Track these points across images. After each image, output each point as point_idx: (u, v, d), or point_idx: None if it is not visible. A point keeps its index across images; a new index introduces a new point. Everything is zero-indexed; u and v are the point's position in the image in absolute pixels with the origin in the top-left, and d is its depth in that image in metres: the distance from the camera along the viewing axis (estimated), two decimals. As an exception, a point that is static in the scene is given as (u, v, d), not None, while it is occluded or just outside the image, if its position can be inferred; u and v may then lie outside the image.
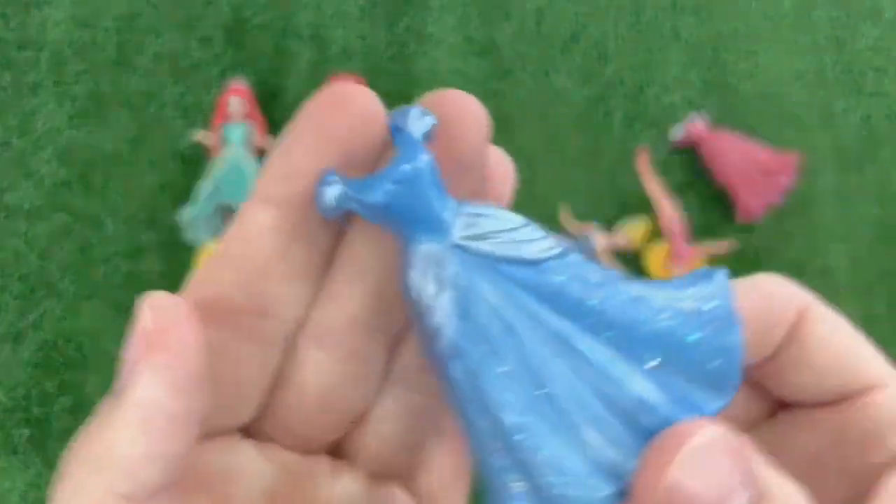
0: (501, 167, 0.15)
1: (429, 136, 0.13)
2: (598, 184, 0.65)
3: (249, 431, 0.14)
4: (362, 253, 0.14)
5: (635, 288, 0.13)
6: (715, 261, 0.62)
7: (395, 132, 0.14)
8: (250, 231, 0.13)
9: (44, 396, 0.58)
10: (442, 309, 0.12)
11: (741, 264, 0.64)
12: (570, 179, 0.65)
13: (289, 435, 0.14)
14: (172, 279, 0.62)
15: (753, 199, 0.61)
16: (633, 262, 0.62)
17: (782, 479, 0.11)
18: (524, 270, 0.12)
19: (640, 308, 0.12)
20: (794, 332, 0.14)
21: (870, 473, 0.13)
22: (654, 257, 0.60)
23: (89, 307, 0.61)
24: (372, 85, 0.68)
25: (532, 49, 0.70)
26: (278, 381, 0.14)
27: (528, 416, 0.12)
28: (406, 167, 0.13)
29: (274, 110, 0.67)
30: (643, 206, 0.63)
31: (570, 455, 0.12)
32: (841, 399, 0.14)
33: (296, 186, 0.13)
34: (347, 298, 0.14)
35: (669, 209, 0.61)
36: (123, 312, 0.61)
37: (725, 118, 0.67)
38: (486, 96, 0.73)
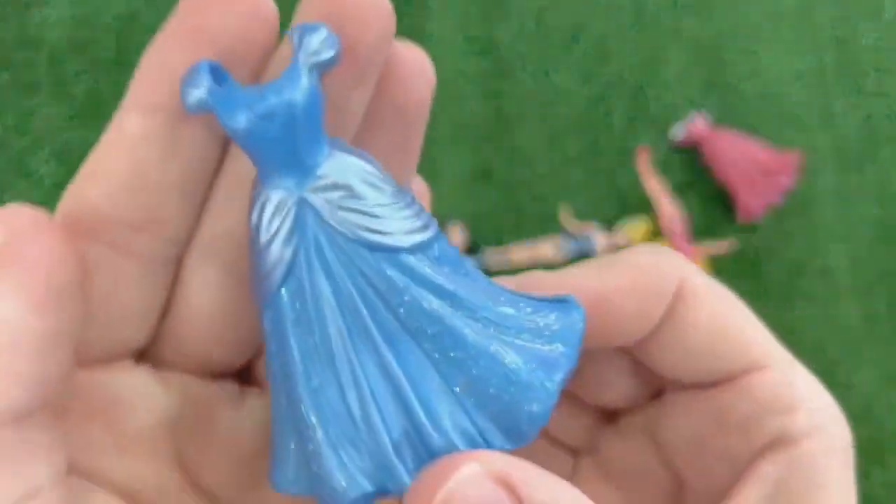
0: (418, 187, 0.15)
1: (325, 65, 0.12)
2: (598, 184, 0.65)
3: (146, 357, 0.13)
4: (247, 163, 0.12)
5: (488, 304, 0.12)
6: (716, 260, 0.62)
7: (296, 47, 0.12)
8: (121, 141, 0.12)
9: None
10: (272, 258, 0.11)
11: (741, 264, 0.64)
12: (570, 179, 0.65)
13: (189, 360, 0.13)
14: (171, 279, 0.61)
15: (754, 199, 0.61)
16: (633, 262, 0.62)
17: (557, 491, 0.11)
18: (371, 255, 0.11)
19: (477, 329, 0.11)
20: (670, 312, 0.13)
21: (749, 458, 0.12)
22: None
23: (88, 307, 0.61)
24: (371, 84, 0.65)
25: (532, 48, 0.70)
26: (170, 301, 0.13)
27: (319, 394, 0.11)
28: (274, 100, 0.11)
29: (273, 110, 0.67)
30: (643, 205, 0.63)
31: (343, 446, 0.11)
32: (722, 380, 0.13)
33: (169, 90, 0.12)
34: (234, 211, 0.13)
35: (670, 208, 0.61)
36: (122, 312, 0.60)
37: (726, 117, 0.67)
38: (485, 96, 0.73)
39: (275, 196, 0.12)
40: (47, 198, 0.64)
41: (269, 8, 0.13)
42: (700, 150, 0.64)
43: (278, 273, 0.12)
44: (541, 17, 0.71)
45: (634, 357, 0.15)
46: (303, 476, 0.12)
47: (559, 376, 0.11)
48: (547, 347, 0.12)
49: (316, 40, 0.12)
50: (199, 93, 0.12)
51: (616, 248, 0.61)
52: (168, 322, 0.13)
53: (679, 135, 0.65)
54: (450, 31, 0.70)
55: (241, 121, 0.11)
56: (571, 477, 0.16)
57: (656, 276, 0.13)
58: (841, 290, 0.61)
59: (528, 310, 0.12)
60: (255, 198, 0.12)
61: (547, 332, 0.12)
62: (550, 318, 0.12)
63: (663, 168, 0.65)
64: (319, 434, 0.11)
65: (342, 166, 0.12)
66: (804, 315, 0.61)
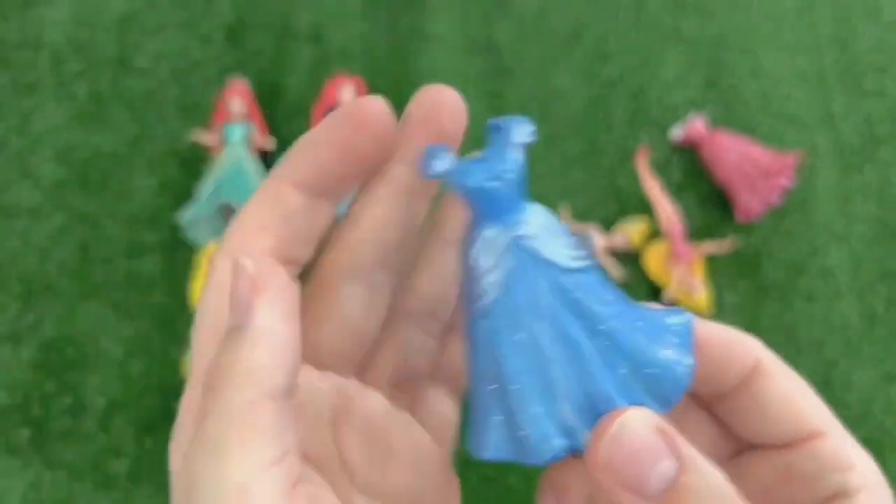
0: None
1: (523, 146, 0.17)
2: (597, 184, 0.65)
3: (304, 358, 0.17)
4: (381, 205, 0.17)
5: (632, 313, 0.17)
6: (715, 260, 0.62)
7: (496, 132, 0.17)
8: (280, 201, 0.17)
9: (43, 397, 0.58)
10: (489, 281, 0.16)
11: (740, 264, 0.64)
12: (570, 179, 0.65)
13: (333, 359, 0.18)
14: (173, 279, 0.62)
15: (753, 200, 0.61)
16: (632, 262, 0.62)
17: (703, 457, 0.14)
18: (558, 273, 0.16)
19: (630, 329, 0.16)
20: (749, 382, 0.17)
21: None
22: (654, 257, 0.60)
23: (89, 307, 0.61)
24: (372, 84, 0.68)
25: (532, 48, 0.70)
26: (323, 310, 0.18)
27: (524, 377, 0.16)
28: (505, 167, 0.16)
29: (274, 110, 0.67)
30: (643, 206, 0.63)
31: (545, 414, 0.16)
32: (790, 443, 0.16)
33: (317, 170, 0.17)
34: (368, 241, 0.18)
35: (668, 209, 0.61)
36: (123, 312, 0.61)
37: (725, 118, 0.67)
38: (485, 96, 0.73)
39: (493, 235, 0.17)
40: (47, 198, 0.64)
41: (390, 120, 0.18)
42: (699, 151, 0.65)
43: (495, 290, 0.16)
44: (541, 18, 0.71)
45: (719, 420, 0.18)
46: (506, 443, 0.16)
47: (690, 360, 0.16)
48: (676, 340, 0.16)
49: (519, 124, 0.17)
50: (443, 164, 0.17)
51: (615, 248, 0.62)
52: (322, 327, 0.18)
53: (678, 135, 0.65)
54: (450, 31, 0.70)
55: (477, 182, 0.16)
56: None
57: (737, 348, 0.17)
58: (840, 289, 0.61)
59: (659, 315, 0.17)
60: (474, 236, 0.17)
61: (674, 331, 0.16)
62: (674, 320, 0.17)
63: (662, 168, 0.65)
64: (527, 408, 0.16)
65: (538, 215, 0.17)
66: (803, 314, 0.61)
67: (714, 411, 0.18)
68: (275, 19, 0.71)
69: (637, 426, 0.14)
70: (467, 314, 0.17)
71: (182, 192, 0.64)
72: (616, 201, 0.64)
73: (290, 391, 0.15)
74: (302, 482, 0.14)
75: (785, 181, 0.61)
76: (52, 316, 0.60)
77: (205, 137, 0.65)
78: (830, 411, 0.16)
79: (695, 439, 0.17)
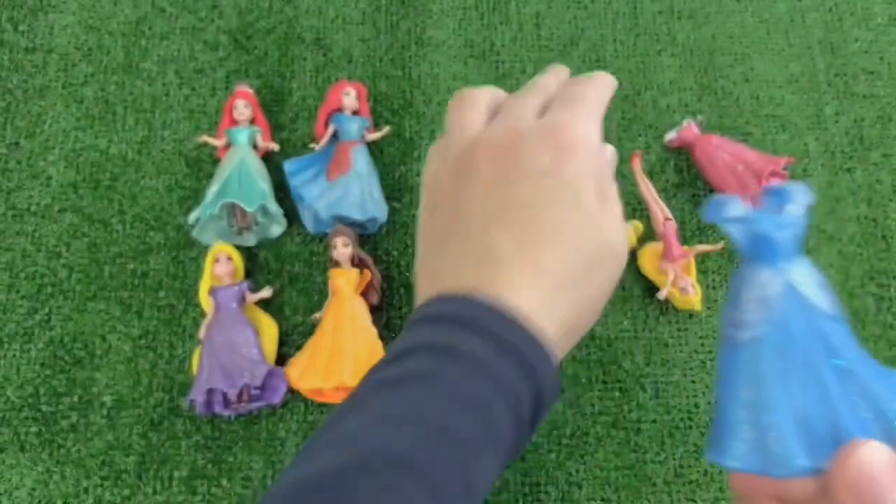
0: None
1: (806, 208, 0.21)
2: (594, 185, 0.66)
3: None
4: None
5: (873, 364, 0.19)
6: (708, 260, 0.63)
7: (773, 195, 0.21)
8: None
9: (52, 394, 0.59)
10: (758, 316, 0.19)
11: (732, 264, 0.65)
12: (568, 181, 0.66)
13: None
14: (179, 279, 0.63)
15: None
16: (627, 263, 0.63)
17: None
18: (820, 317, 0.19)
19: (874, 377, 0.19)
20: None
21: None
22: (648, 257, 0.62)
23: (97, 306, 0.62)
24: (373, 88, 0.70)
25: (531, 53, 0.71)
26: None
27: (781, 402, 0.18)
28: (789, 219, 0.20)
29: (279, 113, 0.68)
30: (637, 207, 0.64)
31: (795, 436, 0.18)
32: None
33: None
34: None
35: (662, 211, 0.62)
36: (131, 311, 0.62)
37: (719, 121, 0.68)
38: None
39: (767, 273, 0.20)
40: (57, 199, 0.66)
41: None
42: (692, 153, 0.66)
43: (762, 320, 0.19)
44: (539, 23, 0.72)
45: None
46: (753, 456, 0.18)
47: None
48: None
49: (807, 194, 0.21)
50: (735, 210, 0.21)
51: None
52: None
53: (672, 138, 0.66)
54: (450, 36, 0.72)
55: (766, 229, 0.20)
56: None
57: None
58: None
59: (891, 371, 0.20)
60: (747, 273, 0.20)
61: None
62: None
63: (657, 170, 0.66)
64: (780, 429, 0.18)
65: (809, 267, 0.20)
66: (796, 314, 0.62)
67: None
68: (279, 25, 0.72)
69: (881, 456, 0.16)
70: (728, 338, 0.19)
71: (188, 194, 0.65)
72: (612, 202, 0.65)
73: None
74: None
75: (777, 183, 0.63)
76: (60, 314, 0.61)
77: (211, 140, 0.66)
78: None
79: None
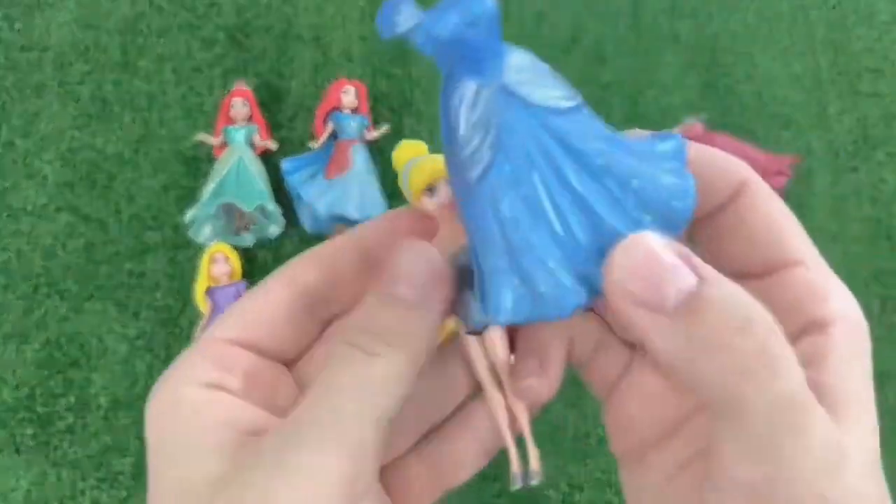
0: None
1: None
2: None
3: None
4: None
5: (625, 145, 0.16)
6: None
7: None
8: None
9: (48, 395, 0.58)
10: (481, 142, 0.15)
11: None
12: (569, 180, 0.66)
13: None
14: (176, 279, 0.62)
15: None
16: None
17: (723, 276, 0.13)
18: (551, 116, 0.15)
19: (628, 161, 0.15)
20: (734, 201, 0.16)
21: (789, 338, 0.14)
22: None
23: (93, 307, 0.61)
24: (372, 86, 0.69)
25: (532, 51, 0.70)
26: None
27: (533, 234, 0.15)
28: (477, 8, 0.14)
29: (276, 112, 0.68)
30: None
31: (560, 268, 0.15)
32: (767, 270, 0.15)
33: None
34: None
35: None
36: (127, 312, 0.61)
37: (722, 120, 0.68)
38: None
39: (474, 86, 0.15)
40: (52, 198, 0.65)
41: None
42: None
43: (489, 151, 0.15)
44: (540, 21, 0.72)
45: (699, 250, 0.17)
46: (524, 304, 0.15)
47: (691, 180, 0.16)
48: (672, 163, 0.16)
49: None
50: (406, 18, 0.14)
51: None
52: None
53: (676, 136, 0.66)
54: (450, 34, 0.71)
55: (448, 30, 0.14)
56: (629, 365, 0.18)
57: (723, 166, 0.16)
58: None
59: (650, 143, 0.16)
60: (453, 95, 0.15)
61: (668, 155, 0.16)
62: (666, 146, 0.16)
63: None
64: (543, 265, 0.15)
65: (521, 58, 0.15)
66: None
67: (695, 237, 0.17)
68: (277, 22, 0.71)
69: (650, 243, 0.14)
70: (459, 183, 0.16)
71: (185, 193, 0.65)
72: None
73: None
74: (379, 452, 0.15)
75: (781, 180, 0.62)
76: (56, 315, 0.61)
77: (207, 138, 0.65)
78: (811, 242, 0.16)
79: None
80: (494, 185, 0.15)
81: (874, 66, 0.70)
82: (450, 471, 0.18)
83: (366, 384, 0.15)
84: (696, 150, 0.16)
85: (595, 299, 0.15)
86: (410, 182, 0.18)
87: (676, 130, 0.66)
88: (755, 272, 0.16)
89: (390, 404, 0.15)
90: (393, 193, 0.64)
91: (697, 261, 0.13)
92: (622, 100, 0.68)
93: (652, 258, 0.13)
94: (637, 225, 0.15)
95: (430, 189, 0.17)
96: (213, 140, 0.65)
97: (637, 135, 0.16)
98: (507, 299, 0.15)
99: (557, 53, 0.70)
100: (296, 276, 0.17)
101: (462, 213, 0.16)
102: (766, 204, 0.16)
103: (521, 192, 0.15)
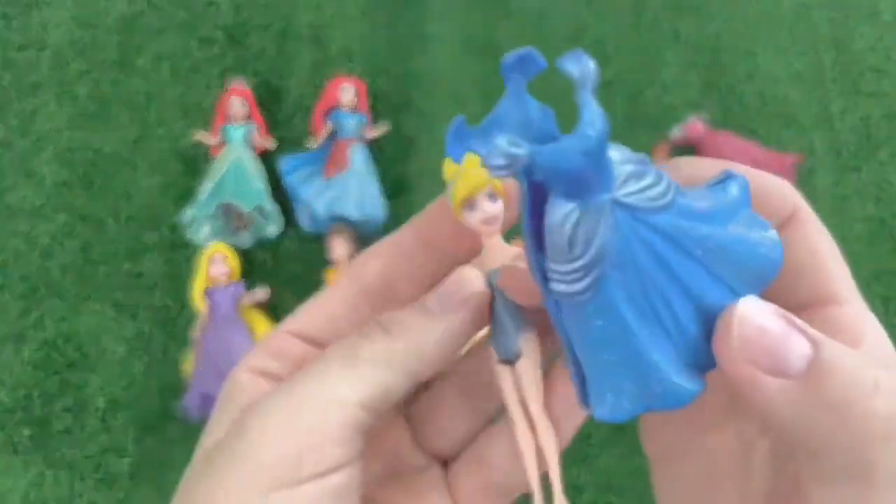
0: None
1: (593, 86, 0.14)
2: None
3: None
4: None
5: (712, 214, 0.15)
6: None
7: (514, 71, 0.14)
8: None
9: (45, 396, 0.58)
10: (585, 255, 0.15)
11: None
12: (570, 180, 0.65)
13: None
14: (173, 279, 0.62)
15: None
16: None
17: (823, 335, 0.14)
18: (655, 216, 0.15)
19: (720, 230, 0.15)
20: (783, 228, 0.16)
21: None
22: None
23: (90, 307, 0.61)
24: (372, 85, 0.68)
25: (536, 47, 0.70)
26: None
27: (644, 338, 0.15)
28: (592, 135, 0.14)
29: (275, 110, 0.68)
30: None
31: (673, 364, 0.15)
32: (807, 304, 0.15)
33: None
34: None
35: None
36: (124, 312, 0.61)
37: (724, 118, 0.67)
38: (485, 96, 0.74)
39: (580, 205, 0.15)
40: (49, 198, 0.65)
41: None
42: (698, 151, 0.65)
43: (595, 260, 0.15)
44: (541, 19, 0.71)
45: None
46: (637, 404, 0.15)
47: (772, 230, 0.15)
48: (746, 211, 0.15)
49: (585, 64, 0.14)
50: (520, 150, 0.14)
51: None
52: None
53: (678, 135, 0.65)
54: (450, 31, 0.71)
55: (572, 163, 0.14)
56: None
57: (782, 189, 0.16)
58: (838, 289, 0.62)
59: (722, 192, 0.16)
60: (555, 211, 0.15)
61: (740, 202, 0.15)
62: (733, 191, 0.16)
63: (662, 168, 0.65)
64: (658, 367, 0.15)
65: (622, 165, 0.15)
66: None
67: None
68: (275, 20, 0.71)
69: (758, 310, 0.14)
70: (560, 293, 0.15)
71: (183, 193, 0.64)
72: (615, 201, 0.64)
73: (423, 379, 0.16)
74: (363, 437, 0.16)
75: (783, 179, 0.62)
76: (53, 315, 0.61)
77: (206, 138, 0.65)
78: (853, 283, 0.15)
79: None
80: (606, 302, 0.15)
81: (877, 66, 0.70)
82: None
83: (347, 360, 0.15)
84: (747, 174, 0.15)
85: (707, 375, 0.15)
86: (451, 196, 0.17)
87: (678, 129, 0.66)
88: (793, 304, 0.15)
89: (365, 390, 0.15)
90: (392, 193, 0.64)
91: (802, 323, 0.14)
92: (624, 98, 0.67)
93: (765, 327, 0.14)
94: (738, 293, 0.15)
95: (471, 204, 0.17)
96: (212, 139, 0.65)
97: (703, 168, 0.16)
98: (617, 401, 0.15)
99: (558, 52, 0.69)
100: (360, 270, 0.17)
101: (556, 318, 0.16)
102: (815, 236, 0.16)
103: (633, 302, 0.15)
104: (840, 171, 0.66)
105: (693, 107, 0.67)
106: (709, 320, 0.15)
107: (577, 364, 0.16)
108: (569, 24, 0.72)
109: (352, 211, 0.60)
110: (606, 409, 0.15)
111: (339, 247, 0.59)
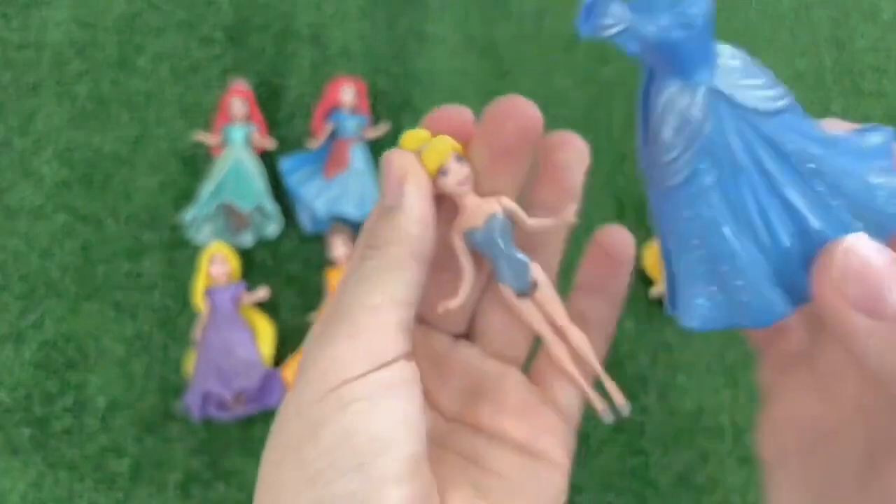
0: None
1: None
2: (596, 185, 0.65)
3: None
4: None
5: (837, 141, 0.15)
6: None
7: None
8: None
9: (45, 396, 0.58)
10: (688, 148, 0.14)
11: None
12: (570, 179, 0.65)
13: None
14: (174, 279, 0.62)
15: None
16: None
17: None
18: (760, 120, 0.14)
19: (840, 160, 0.15)
20: None
21: None
22: (651, 254, 0.61)
23: (90, 307, 0.61)
24: (372, 84, 0.68)
25: (532, 49, 0.70)
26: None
27: (737, 242, 0.15)
28: (692, 9, 0.14)
29: (275, 110, 0.68)
30: (641, 206, 0.64)
31: (764, 277, 0.15)
32: None
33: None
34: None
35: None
36: (124, 312, 0.61)
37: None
38: (485, 96, 0.73)
39: (683, 89, 0.14)
40: (49, 198, 0.65)
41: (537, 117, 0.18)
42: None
43: (692, 153, 0.14)
44: (540, 19, 0.71)
45: None
46: (724, 313, 0.15)
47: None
48: (881, 161, 0.15)
49: None
50: (612, 17, 0.14)
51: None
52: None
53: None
54: (449, 31, 0.71)
55: (664, 31, 0.14)
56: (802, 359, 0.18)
57: None
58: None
59: (861, 136, 0.15)
60: (656, 95, 0.15)
61: (877, 152, 0.15)
62: (875, 139, 0.15)
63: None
64: (746, 275, 0.15)
65: (731, 58, 0.15)
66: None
67: None
68: (275, 20, 0.71)
69: (867, 247, 0.13)
70: (656, 185, 0.15)
71: (183, 193, 0.64)
72: (615, 201, 0.64)
73: (428, 259, 0.18)
74: (409, 332, 0.17)
75: None
76: (53, 315, 0.61)
77: (206, 138, 0.65)
78: None
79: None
80: (698, 192, 0.15)
81: (877, 65, 0.70)
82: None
83: (363, 279, 0.17)
84: None
85: (800, 307, 0.15)
86: (425, 166, 0.18)
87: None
88: None
89: (392, 290, 0.17)
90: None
91: None
92: (623, 99, 0.67)
93: (870, 263, 0.13)
94: (848, 229, 0.14)
95: (444, 171, 0.18)
96: (212, 139, 0.65)
97: (842, 127, 0.16)
98: (702, 307, 0.15)
99: (558, 52, 0.69)
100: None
101: (656, 212, 0.16)
102: None
103: (726, 198, 0.15)
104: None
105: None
106: (810, 246, 0.14)
107: (670, 270, 0.16)
108: (569, 23, 0.71)
109: (352, 211, 0.60)
110: (692, 317, 0.15)
111: (339, 246, 0.59)
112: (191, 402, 0.55)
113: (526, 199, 0.19)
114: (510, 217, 0.18)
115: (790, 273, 0.15)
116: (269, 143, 0.65)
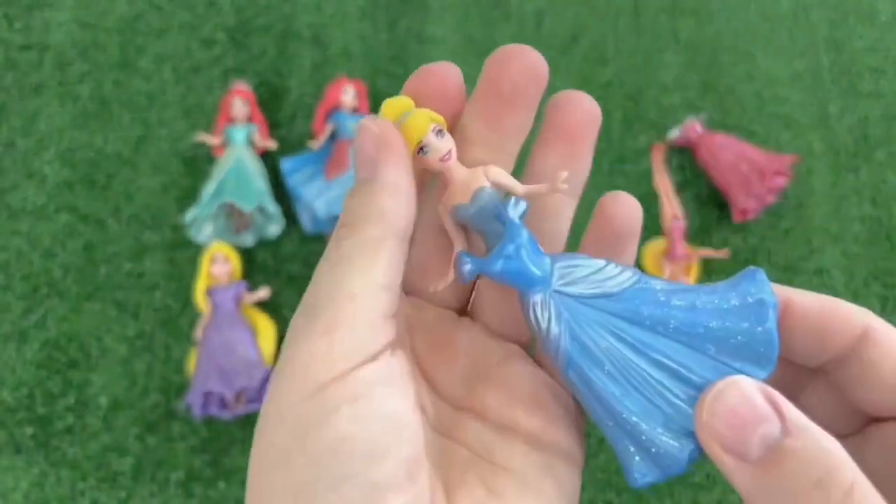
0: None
1: (524, 216, 0.18)
2: (597, 184, 0.65)
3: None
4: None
5: (693, 298, 0.17)
6: (711, 260, 0.63)
7: (500, 217, 0.18)
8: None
9: (47, 396, 0.58)
10: (555, 337, 0.17)
11: (737, 264, 0.65)
12: (569, 180, 0.65)
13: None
14: (175, 279, 0.62)
15: (749, 200, 0.62)
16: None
17: (811, 422, 0.14)
18: (608, 301, 0.17)
19: (700, 314, 0.17)
20: (860, 349, 0.16)
21: None
22: (650, 253, 0.61)
23: (92, 307, 0.61)
24: (372, 85, 0.69)
25: (540, 49, 0.70)
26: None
27: (627, 402, 0.17)
28: (511, 246, 0.18)
29: (276, 111, 0.68)
30: (642, 205, 0.64)
31: (662, 427, 0.17)
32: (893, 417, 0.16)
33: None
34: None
35: (674, 208, 0.62)
36: (126, 312, 0.61)
37: (722, 119, 0.67)
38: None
39: (537, 298, 0.18)
40: (52, 198, 0.65)
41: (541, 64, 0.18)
42: (695, 152, 0.65)
43: (563, 343, 0.17)
44: (540, 20, 0.72)
45: (842, 395, 0.18)
46: (649, 467, 0.17)
47: (771, 316, 0.16)
48: (750, 299, 0.17)
49: (512, 206, 0.18)
50: (468, 266, 0.18)
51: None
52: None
53: (675, 136, 0.65)
54: (449, 32, 0.71)
55: (497, 266, 0.18)
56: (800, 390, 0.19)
57: (851, 312, 0.17)
58: (836, 289, 0.62)
59: (720, 292, 0.18)
60: (525, 306, 0.18)
61: (748, 297, 0.17)
62: (748, 288, 0.17)
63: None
64: (644, 428, 0.17)
65: (562, 262, 0.18)
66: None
67: (834, 382, 0.17)
68: (276, 22, 0.71)
69: (737, 390, 0.14)
70: (555, 364, 0.18)
71: (185, 193, 0.65)
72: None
73: (407, 234, 0.17)
74: (393, 318, 0.17)
75: (781, 180, 0.62)
76: (55, 315, 0.61)
77: (207, 138, 0.65)
78: None
79: (815, 413, 0.17)
80: (580, 371, 0.17)
81: (875, 66, 0.70)
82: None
83: (339, 262, 0.16)
84: (805, 300, 0.16)
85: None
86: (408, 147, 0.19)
87: (676, 131, 0.66)
88: (884, 416, 0.16)
89: (377, 274, 0.16)
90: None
91: (786, 407, 0.14)
92: (622, 100, 0.67)
93: (743, 403, 0.14)
94: (726, 372, 0.16)
95: (424, 148, 0.18)
96: (214, 140, 0.65)
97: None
98: (634, 467, 0.17)
99: (557, 53, 0.69)
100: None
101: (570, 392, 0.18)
102: (892, 354, 0.16)
103: (604, 370, 0.17)
104: (838, 172, 0.66)
105: (692, 108, 0.68)
106: (696, 393, 0.16)
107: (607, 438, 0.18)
108: (568, 25, 0.72)
109: (352, 211, 0.61)
110: (627, 476, 0.17)
111: (339, 247, 0.60)
112: (192, 401, 0.55)
113: (529, 168, 0.19)
114: (499, 187, 0.19)
115: (685, 421, 0.16)
116: (270, 144, 0.65)
